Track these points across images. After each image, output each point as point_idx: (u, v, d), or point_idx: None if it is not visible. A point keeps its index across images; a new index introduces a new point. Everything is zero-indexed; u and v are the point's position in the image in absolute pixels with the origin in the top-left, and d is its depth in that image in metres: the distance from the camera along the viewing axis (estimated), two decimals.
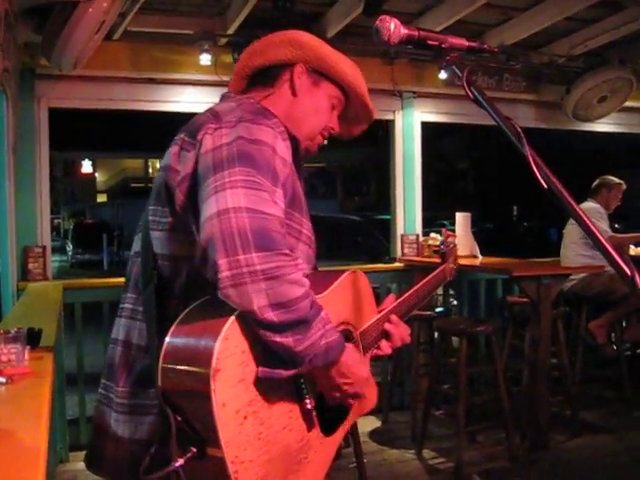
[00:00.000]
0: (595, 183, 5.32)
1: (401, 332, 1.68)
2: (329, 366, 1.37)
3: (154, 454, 1.34)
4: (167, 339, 1.30)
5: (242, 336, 1.26)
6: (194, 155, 1.41)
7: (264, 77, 1.65)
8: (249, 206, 1.26)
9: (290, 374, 1.30)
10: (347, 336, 1.53)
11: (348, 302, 1.57)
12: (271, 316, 1.23)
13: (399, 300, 1.76)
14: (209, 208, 1.28)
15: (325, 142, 1.73)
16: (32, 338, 1.90)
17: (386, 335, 1.67)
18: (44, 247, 4.29)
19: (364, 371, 1.47)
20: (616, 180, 5.30)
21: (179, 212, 1.43)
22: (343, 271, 1.58)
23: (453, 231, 5.12)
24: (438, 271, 2.08)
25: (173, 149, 1.48)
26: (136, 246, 1.55)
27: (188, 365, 1.26)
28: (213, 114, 1.47)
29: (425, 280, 1.97)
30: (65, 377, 4.14)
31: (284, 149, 1.43)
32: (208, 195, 1.30)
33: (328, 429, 1.49)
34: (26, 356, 1.70)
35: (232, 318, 1.25)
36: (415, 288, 1.89)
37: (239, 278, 1.22)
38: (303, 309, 1.27)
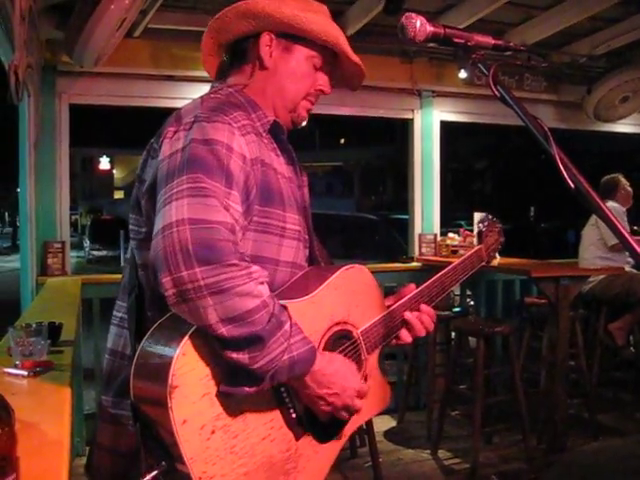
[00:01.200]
0: (607, 183, 5.21)
1: (424, 320, 1.59)
2: (299, 378, 1.31)
3: (133, 467, 1.33)
4: (137, 352, 1.27)
5: (203, 349, 1.22)
6: (156, 163, 1.37)
7: (234, 53, 1.57)
8: (192, 216, 1.20)
9: (252, 391, 1.24)
10: (345, 336, 1.47)
11: (344, 300, 1.48)
12: (222, 331, 1.18)
13: (421, 287, 1.66)
14: (157, 224, 1.24)
15: (313, 107, 1.58)
16: (53, 332, 1.91)
17: (406, 324, 1.59)
18: (63, 242, 4.31)
19: (351, 381, 1.39)
20: (622, 177, 5.23)
21: (147, 222, 1.39)
22: (338, 267, 1.49)
23: (471, 231, 5.10)
24: (471, 253, 1.92)
25: (143, 155, 1.45)
26: (128, 253, 1.52)
27: (150, 381, 1.24)
28: (176, 116, 1.42)
29: (455, 264, 1.83)
30: (82, 372, 4.17)
31: (243, 145, 1.35)
32: (158, 210, 1.27)
33: (324, 436, 1.43)
34: (47, 350, 1.72)
35: (190, 332, 1.21)
36: (442, 273, 1.76)
37: (185, 295, 1.17)
38: (258, 322, 1.20)
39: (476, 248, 1.96)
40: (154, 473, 1.24)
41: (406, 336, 1.60)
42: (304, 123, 1.60)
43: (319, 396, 1.35)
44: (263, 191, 1.38)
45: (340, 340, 1.46)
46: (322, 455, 1.43)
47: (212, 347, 1.22)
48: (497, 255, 5.15)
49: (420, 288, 1.67)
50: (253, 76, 1.52)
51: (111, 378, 1.47)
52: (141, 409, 1.27)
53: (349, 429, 1.50)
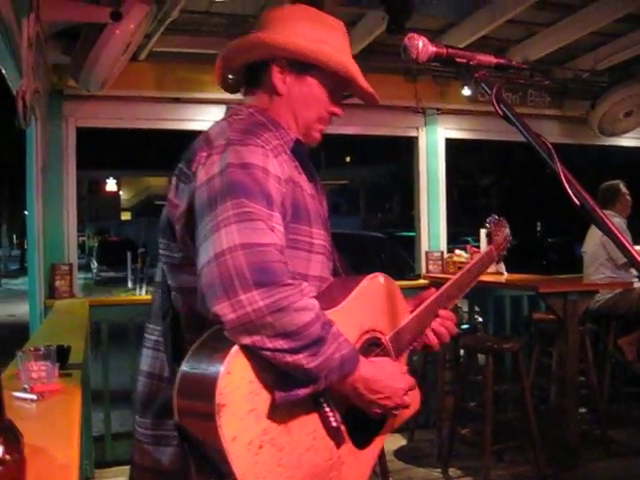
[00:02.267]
0: (607, 190, 5.14)
1: (447, 326, 1.66)
2: (350, 381, 1.34)
3: None
4: (179, 373, 1.29)
5: (248, 366, 1.25)
6: (190, 188, 1.39)
7: (247, 76, 1.61)
8: (244, 241, 1.24)
9: (308, 392, 1.28)
10: (375, 344, 1.51)
11: (370, 308, 1.52)
12: (281, 344, 1.23)
13: (441, 290, 1.72)
14: (206, 252, 1.27)
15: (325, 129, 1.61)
16: (61, 355, 1.91)
17: (432, 331, 1.66)
18: (71, 264, 4.33)
19: (399, 381, 1.45)
20: (622, 185, 5.19)
21: (182, 247, 1.42)
22: (362, 277, 1.54)
23: (478, 247, 5.09)
24: (483, 254, 1.97)
25: (173, 180, 1.46)
26: (157, 276, 1.55)
27: (196, 401, 1.26)
28: (205, 139, 1.44)
29: (469, 265, 1.90)
30: (91, 394, 4.16)
31: (277, 166, 1.38)
32: (205, 237, 1.29)
33: (363, 442, 1.48)
34: (56, 373, 1.72)
35: (234, 350, 1.23)
36: (458, 276, 1.83)
37: (245, 318, 1.21)
38: (313, 333, 1.26)
39: (487, 249, 2.01)
40: None
41: (432, 338, 1.66)
42: (317, 143, 1.63)
43: (372, 401, 1.40)
44: (294, 209, 1.42)
45: (370, 347, 1.50)
46: (362, 462, 1.48)
47: (258, 362, 1.25)
48: (505, 271, 5.15)
49: (439, 292, 1.72)
50: (272, 102, 1.55)
51: (149, 400, 1.48)
52: (187, 429, 1.29)
53: (385, 432, 1.57)
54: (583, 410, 4.43)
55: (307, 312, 1.25)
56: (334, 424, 1.37)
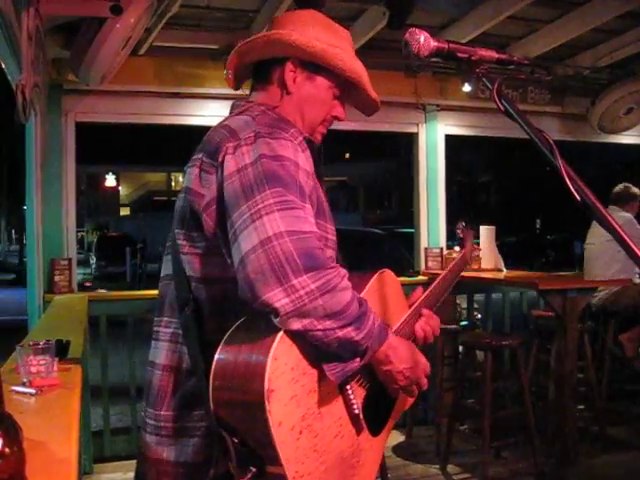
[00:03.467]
0: (622, 191, 5.20)
1: (432, 327, 1.69)
2: (383, 348, 1.39)
3: (198, 475, 1.38)
4: (215, 361, 1.30)
5: (291, 353, 1.28)
6: (217, 177, 1.39)
7: (257, 72, 1.63)
8: (289, 229, 1.27)
9: (357, 365, 1.33)
10: None
11: (380, 303, 1.58)
12: (329, 324, 1.27)
13: (427, 291, 1.79)
14: (250, 239, 1.27)
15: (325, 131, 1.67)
16: (60, 350, 1.91)
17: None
18: (70, 259, 4.33)
19: (420, 355, 1.50)
20: (633, 188, 5.21)
21: (209, 237, 1.42)
22: (371, 274, 1.59)
23: (477, 244, 5.09)
24: (458, 258, 2.15)
25: (193, 171, 1.46)
26: (166, 269, 1.54)
27: (240, 387, 1.27)
28: (229, 131, 1.44)
29: (449, 268, 2.05)
30: (89, 388, 4.16)
31: (305, 160, 1.42)
32: (245, 224, 1.29)
33: (375, 429, 1.53)
34: (55, 368, 1.72)
35: (279, 335, 1.26)
36: (440, 277, 1.93)
37: (299, 302, 1.24)
38: (355, 309, 1.31)
39: (461, 253, 2.22)
40: (247, 477, 1.28)
41: (419, 334, 1.69)
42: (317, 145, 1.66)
43: (399, 371, 1.44)
44: (318, 204, 1.46)
45: None
46: (376, 448, 1.55)
47: (299, 348, 1.29)
48: (504, 268, 5.15)
49: (426, 293, 1.79)
50: (282, 100, 1.58)
51: (167, 393, 1.48)
52: (226, 418, 1.30)
53: (394, 417, 1.64)
54: (581, 407, 4.43)
55: (348, 291, 1.31)
56: (356, 411, 1.42)
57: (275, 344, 1.25)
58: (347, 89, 1.63)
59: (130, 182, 45.57)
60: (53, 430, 1.32)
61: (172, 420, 1.46)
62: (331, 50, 1.55)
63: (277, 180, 1.32)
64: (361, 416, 1.44)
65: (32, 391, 1.59)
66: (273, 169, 1.34)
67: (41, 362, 1.67)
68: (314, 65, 1.57)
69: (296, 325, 1.25)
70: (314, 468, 1.30)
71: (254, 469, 1.27)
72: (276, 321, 1.25)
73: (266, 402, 1.20)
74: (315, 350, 1.30)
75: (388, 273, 1.64)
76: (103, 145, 29.09)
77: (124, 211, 43.82)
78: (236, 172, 1.35)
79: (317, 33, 1.57)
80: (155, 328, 1.55)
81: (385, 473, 3.68)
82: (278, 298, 1.23)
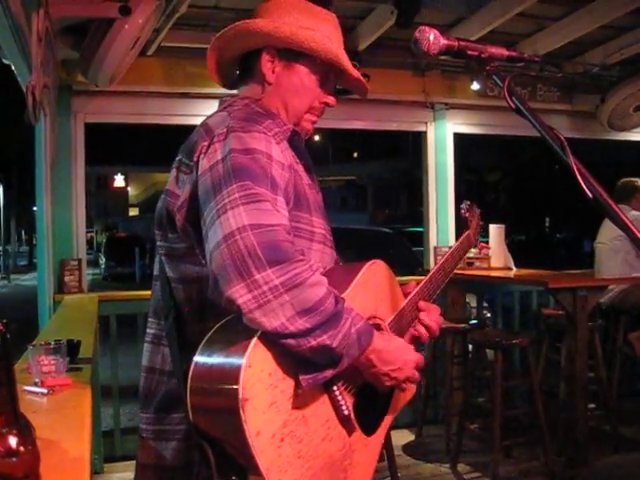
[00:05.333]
0: (625, 187, 5.13)
1: (434, 320, 1.63)
2: (365, 353, 1.34)
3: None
4: (192, 369, 1.26)
5: (267, 358, 1.23)
6: (192, 178, 1.38)
7: (241, 68, 1.61)
8: (252, 222, 1.23)
9: (334, 373, 1.28)
10: (376, 329, 1.49)
11: (371, 295, 1.53)
12: (301, 323, 1.21)
13: (426, 279, 1.72)
14: (215, 235, 1.25)
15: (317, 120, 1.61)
16: (71, 350, 1.92)
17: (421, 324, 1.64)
18: (80, 260, 4.34)
19: (408, 354, 1.45)
20: (639, 181, 5.15)
21: (182, 237, 1.41)
22: (362, 264, 1.53)
23: (486, 243, 5.08)
24: (462, 238, 2.04)
25: (172, 172, 1.46)
26: (155, 269, 1.54)
27: (215, 397, 1.23)
28: (205, 129, 1.43)
29: (451, 250, 1.95)
30: (100, 388, 4.18)
31: (280, 152, 1.39)
32: (212, 221, 1.27)
33: (369, 428, 1.48)
34: (66, 367, 1.73)
35: (253, 342, 1.21)
36: (441, 261, 1.86)
37: (262, 298, 1.19)
38: (329, 306, 1.25)
39: (465, 234, 2.08)
40: None
41: (421, 330, 1.63)
42: (308, 135, 1.63)
43: (384, 373, 1.40)
44: (295, 196, 1.42)
45: None
46: (370, 448, 1.49)
47: (276, 353, 1.24)
48: (513, 266, 5.13)
49: (427, 277, 1.73)
50: (264, 92, 1.55)
51: (150, 395, 1.48)
52: (204, 425, 1.26)
53: (390, 415, 1.59)
54: (592, 406, 4.41)
55: (320, 287, 1.25)
56: (345, 412, 1.37)
57: (249, 350, 1.20)
58: (333, 73, 1.58)
59: (139, 182, 45.70)
60: (65, 429, 1.32)
61: (152, 423, 1.45)
62: (302, 32, 1.49)
63: (245, 173, 1.29)
64: (352, 416, 1.40)
65: (44, 391, 1.59)
66: (242, 162, 1.31)
67: (52, 362, 1.67)
68: (291, 52, 1.52)
69: (267, 325, 1.20)
70: (299, 475, 1.26)
71: (235, 479, 1.24)
72: (244, 320, 1.21)
73: (241, 411, 1.16)
74: (293, 353, 1.25)
75: (380, 264, 1.58)
76: (112, 146, 29.21)
77: (133, 211, 43.99)
78: (208, 169, 1.34)
79: (292, 18, 1.53)
80: (146, 329, 1.56)
81: (395, 472, 3.68)
82: (240, 294, 1.19)
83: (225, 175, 1.30)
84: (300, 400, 1.28)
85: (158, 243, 1.48)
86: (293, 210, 1.40)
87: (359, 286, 1.47)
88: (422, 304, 1.64)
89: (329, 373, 1.27)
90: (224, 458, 1.25)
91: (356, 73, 1.59)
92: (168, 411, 1.41)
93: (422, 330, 1.62)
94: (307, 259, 1.28)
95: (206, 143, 1.38)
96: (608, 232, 4.98)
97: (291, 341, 1.22)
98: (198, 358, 1.26)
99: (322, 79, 1.56)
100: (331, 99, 1.59)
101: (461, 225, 2.15)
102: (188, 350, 1.30)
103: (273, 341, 1.22)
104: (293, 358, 1.25)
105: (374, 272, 1.55)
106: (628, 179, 5.16)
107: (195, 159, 1.39)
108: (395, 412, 1.62)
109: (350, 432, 1.40)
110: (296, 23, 1.51)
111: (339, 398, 1.37)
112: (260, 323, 1.20)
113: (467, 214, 2.13)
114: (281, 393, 1.25)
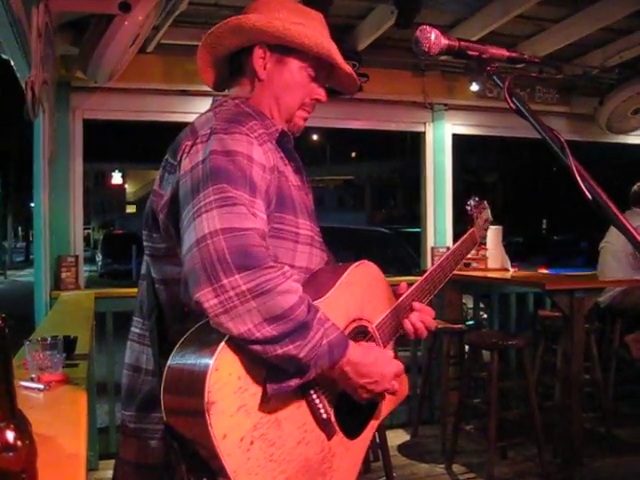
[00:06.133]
0: (638, 191, 5.13)
1: (425, 322, 1.61)
2: (340, 365, 1.32)
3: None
4: (166, 370, 1.27)
5: (235, 362, 1.23)
6: (175, 178, 1.38)
7: (232, 66, 1.60)
8: (224, 226, 1.22)
9: (299, 382, 1.27)
10: (362, 332, 1.50)
11: (358, 297, 1.50)
12: (268, 331, 1.20)
13: (422, 279, 1.70)
14: (189, 238, 1.25)
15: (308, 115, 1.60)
16: (68, 346, 1.92)
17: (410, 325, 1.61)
18: (77, 256, 4.34)
19: (387, 366, 1.42)
20: None
21: (165, 237, 1.41)
22: (348, 265, 1.51)
23: (484, 244, 5.08)
24: (466, 236, 1.99)
25: (160, 171, 1.46)
26: (142, 268, 1.53)
27: (184, 399, 1.23)
28: (191, 130, 1.43)
29: (453, 248, 1.91)
30: (95, 385, 4.17)
31: (262, 154, 1.37)
32: (188, 224, 1.27)
33: (353, 432, 1.47)
34: (62, 363, 1.72)
35: (221, 346, 1.21)
36: (440, 261, 1.82)
37: (228, 303, 1.18)
38: (300, 315, 1.23)
39: (470, 231, 2.02)
40: None
41: (408, 328, 1.61)
42: (300, 132, 1.62)
43: (360, 386, 1.38)
44: (278, 198, 1.40)
45: (357, 336, 1.48)
46: (353, 452, 1.47)
47: (245, 357, 1.23)
48: (510, 267, 5.12)
49: (425, 275, 1.71)
50: (254, 89, 1.54)
51: (133, 393, 1.48)
52: (176, 427, 1.26)
53: (375, 419, 1.55)
54: (587, 408, 4.41)
55: (291, 295, 1.23)
56: (324, 416, 1.36)
57: (217, 353, 1.20)
58: (324, 69, 1.57)
59: (136, 180, 45.62)
60: (62, 425, 1.32)
61: (134, 421, 1.46)
62: (294, 27, 1.49)
63: (223, 176, 1.28)
64: (332, 420, 1.38)
65: (40, 386, 1.59)
66: (221, 165, 1.30)
67: (49, 358, 1.67)
68: (283, 48, 1.52)
69: (233, 329, 1.19)
70: (271, 478, 1.25)
71: None
72: (211, 323, 1.21)
73: (206, 415, 1.16)
74: (261, 359, 1.24)
75: (368, 264, 1.55)
76: (110, 142, 29.14)
77: (130, 209, 43.91)
78: (189, 171, 1.34)
79: (282, 14, 1.52)
80: (130, 328, 1.57)
81: (390, 472, 3.70)
82: (207, 298, 1.19)
83: (203, 177, 1.29)
84: (273, 403, 1.26)
85: (144, 243, 1.48)
86: (276, 212, 1.39)
87: (343, 287, 1.45)
88: (416, 305, 1.62)
89: (294, 383, 1.26)
90: (197, 459, 1.24)
91: (348, 68, 1.59)
92: (149, 410, 1.41)
93: (409, 328, 1.59)
94: (279, 266, 1.26)
95: (189, 143, 1.38)
96: (615, 232, 4.95)
97: (257, 347, 1.21)
98: (172, 359, 1.27)
99: (313, 75, 1.56)
100: (322, 95, 1.59)
101: (461, 225, 2.11)
102: (169, 350, 1.30)
103: (242, 345, 1.22)
104: (263, 362, 1.24)
105: (361, 273, 1.53)
106: None
107: (178, 158, 1.39)
108: (383, 415, 1.59)
109: (330, 435, 1.39)
110: (285, 19, 1.51)
111: (317, 402, 1.36)
112: (227, 328, 1.20)
113: (473, 211, 2.08)
114: (251, 396, 1.24)
